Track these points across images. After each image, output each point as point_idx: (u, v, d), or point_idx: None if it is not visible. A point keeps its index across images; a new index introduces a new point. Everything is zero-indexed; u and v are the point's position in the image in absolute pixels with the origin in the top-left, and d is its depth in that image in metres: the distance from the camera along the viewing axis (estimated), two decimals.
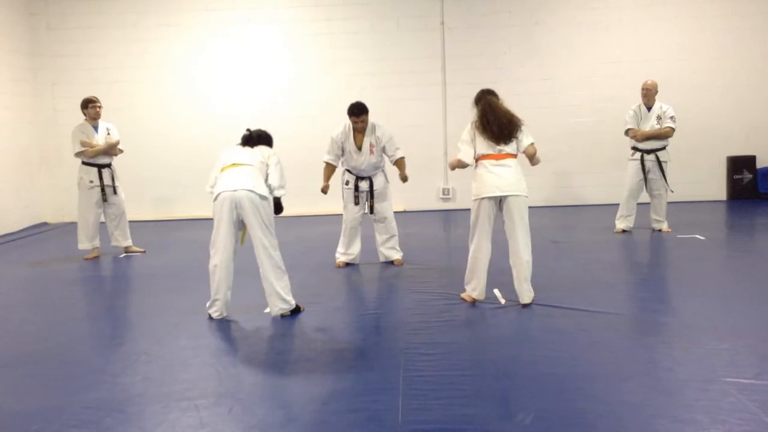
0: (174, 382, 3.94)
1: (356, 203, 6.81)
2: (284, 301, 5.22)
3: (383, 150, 6.77)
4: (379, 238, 7.00)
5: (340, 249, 7.00)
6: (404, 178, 6.89)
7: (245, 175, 5.22)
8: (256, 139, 5.60)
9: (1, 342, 4.90)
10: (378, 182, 6.84)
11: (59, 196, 11.29)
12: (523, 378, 3.83)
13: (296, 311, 5.28)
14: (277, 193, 5.34)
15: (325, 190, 6.87)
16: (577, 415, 3.30)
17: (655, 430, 3.15)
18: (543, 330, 4.69)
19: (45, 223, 11.10)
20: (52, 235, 10.26)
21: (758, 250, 7.70)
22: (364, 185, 6.81)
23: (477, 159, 5.34)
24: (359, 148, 6.72)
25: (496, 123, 5.30)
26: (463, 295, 5.49)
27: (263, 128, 5.77)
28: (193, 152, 11.12)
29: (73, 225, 10.82)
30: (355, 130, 6.73)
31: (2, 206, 10.06)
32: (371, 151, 6.73)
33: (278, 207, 5.48)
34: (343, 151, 6.79)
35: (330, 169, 6.89)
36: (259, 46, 11.15)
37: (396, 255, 7.00)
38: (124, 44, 11.08)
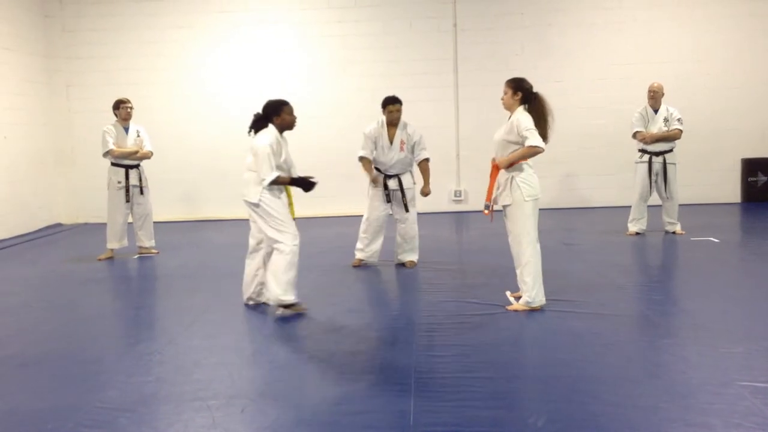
0: (187, 383, 3.96)
1: (388, 201, 6.85)
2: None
3: (413, 147, 6.85)
4: (400, 239, 7.00)
5: (359, 246, 7.04)
6: (426, 193, 6.92)
7: (243, 180, 5.37)
8: (254, 125, 5.47)
9: (16, 341, 4.95)
10: (406, 182, 6.91)
11: (74, 197, 11.37)
12: (535, 380, 3.82)
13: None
14: (263, 185, 5.23)
15: (376, 181, 6.87)
16: (589, 417, 3.29)
17: None
18: (555, 332, 4.68)
19: (59, 224, 11.19)
20: (66, 236, 10.34)
21: None
22: (392, 184, 6.86)
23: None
24: (391, 143, 6.80)
25: (550, 126, 5.16)
26: (535, 305, 5.17)
27: (267, 102, 5.54)
28: (208, 154, 11.19)
29: (87, 226, 10.95)
30: (389, 122, 6.83)
31: (17, 207, 10.14)
32: (401, 148, 6.82)
33: (300, 185, 5.41)
34: (375, 146, 6.85)
35: (368, 162, 6.88)
36: (272, 48, 11.19)
37: (410, 257, 6.98)
38: (139, 46, 11.16)
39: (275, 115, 5.41)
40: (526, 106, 5.14)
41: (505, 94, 5.18)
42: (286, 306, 5.29)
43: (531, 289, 5.15)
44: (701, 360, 4.03)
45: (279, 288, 5.22)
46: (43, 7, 11.11)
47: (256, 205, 5.24)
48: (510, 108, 5.20)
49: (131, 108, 7.98)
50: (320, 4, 11.12)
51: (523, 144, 5.00)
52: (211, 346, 4.62)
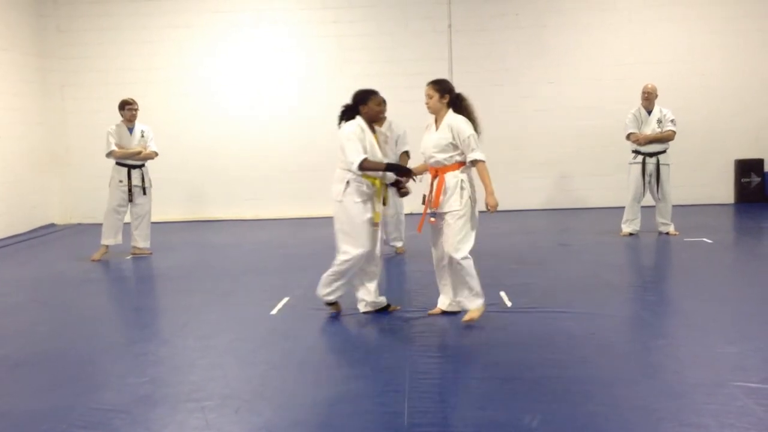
0: (181, 384, 3.95)
1: None
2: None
3: (396, 141, 7.27)
4: (391, 227, 7.51)
5: None
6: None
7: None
8: (342, 116, 5.25)
9: (10, 342, 4.93)
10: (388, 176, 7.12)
11: (68, 197, 11.34)
12: (530, 381, 3.82)
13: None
14: (352, 168, 4.97)
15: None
16: (584, 418, 3.29)
17: None
18: (550, 333, 4.68)
19: (53, 225, 11.15)
20: (60, 236, 10.30)
21: (766, 253, 7.67)
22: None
23: (467, 162, 4.93)
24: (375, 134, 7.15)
25: (479, 124, 5.01)
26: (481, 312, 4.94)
27: (356, 92, 5.23)
28: (204, 154, 11.17)
29: (81, 226, 10.92)
30: None
31: (10, 207, 10.09)
32: (386, 141, 7.04)
33: (395, 169, 5.15)
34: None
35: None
36: (268, 48, 11.18)
37: (399, 243, 7.65)
38: (134, 46, 11.13)
39: (362, 104, 5.16)
40: (451, 109, 4.96)
41: (431, 98, 4.95)
42: (328, 304, 5.24)
43: (479, 293, 4.91)
44: (695, 360, 4.05)
45: (320, 284, 5.20)
46: (37, 6, 11.07)
47: (338, 203, 5.09)
48: (437, 112, 4.98)
49: (136, 109, 8.02)
50: (315, 4, 11.11)
51: (462, 150, 4.85)
52: (206, 347, 4.62)
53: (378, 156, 5.11)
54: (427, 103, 4.99)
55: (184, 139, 11.11)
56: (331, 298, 5.22)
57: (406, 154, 7.28)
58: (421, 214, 5.12)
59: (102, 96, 10.31)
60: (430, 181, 5.03)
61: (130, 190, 7.97)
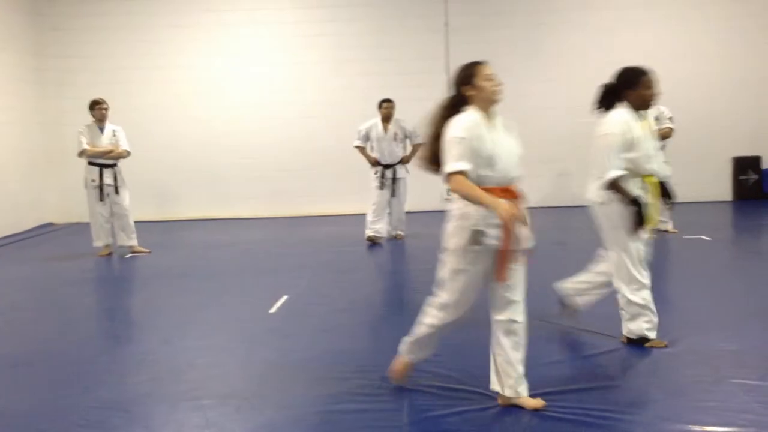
0: (180, 382, 3.95)
1: (381, 187, 8.30)
2: None
3: (406, 137, 8.37)
4: (394, 218, 8.51)
5: (369, 222, 8.34)
6: (406, 160, 8.33)
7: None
8: (603, 100, 4.35)
9: (9, 342, 4.92)
10: (400, 172, 8.45)
11: (65, 196, 11.31)
12: (529, 379, 3.82)
13: None
14: (605, 179, 4.08)
15: (375, 162, 8.35)
16: (583, 415, 3.29)
17: (660, 431, 3.14)
18: (547, 330, 4.68)
19: (51, 224, 11.13)
20: (57, 235, 10.29)
21: (765, 250, 7.69)
22: (388, 173, 8.38)
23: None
24: (385, 132, 8.34)
25: None
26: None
27: (622, 70, 4.29)
28: (199, 153, 11.15)
29: (78, 225, 10.90)
30: (383, 118, 8.37)
31: (8, 207, 10.08)
32: (394, 138, 8.34)
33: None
34: (369, 139, 8.39)
35: (363, 149, 8.50)
36: (265, 47, 11.17)
37: (400, 231, 8.59)
38: (130, 45, 11.11)
39: (629, 88, 4.15)
40: None
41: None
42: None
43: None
44: (693, 357, 4.05)
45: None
46: (33, 5, 11.05)
47: (600, 205, 4.22)
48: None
49: (106, 109, 8.07)
50: (312, 3, 11.11)
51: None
52: (205, 346, 4.61)
53: (650, 153, 4.14)
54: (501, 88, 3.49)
55: (181, 137, 11.11)
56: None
57: (417, 146, 7.91)
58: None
59: (98, 95, 10.23)
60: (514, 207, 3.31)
61: (102, 190, 7.98)
